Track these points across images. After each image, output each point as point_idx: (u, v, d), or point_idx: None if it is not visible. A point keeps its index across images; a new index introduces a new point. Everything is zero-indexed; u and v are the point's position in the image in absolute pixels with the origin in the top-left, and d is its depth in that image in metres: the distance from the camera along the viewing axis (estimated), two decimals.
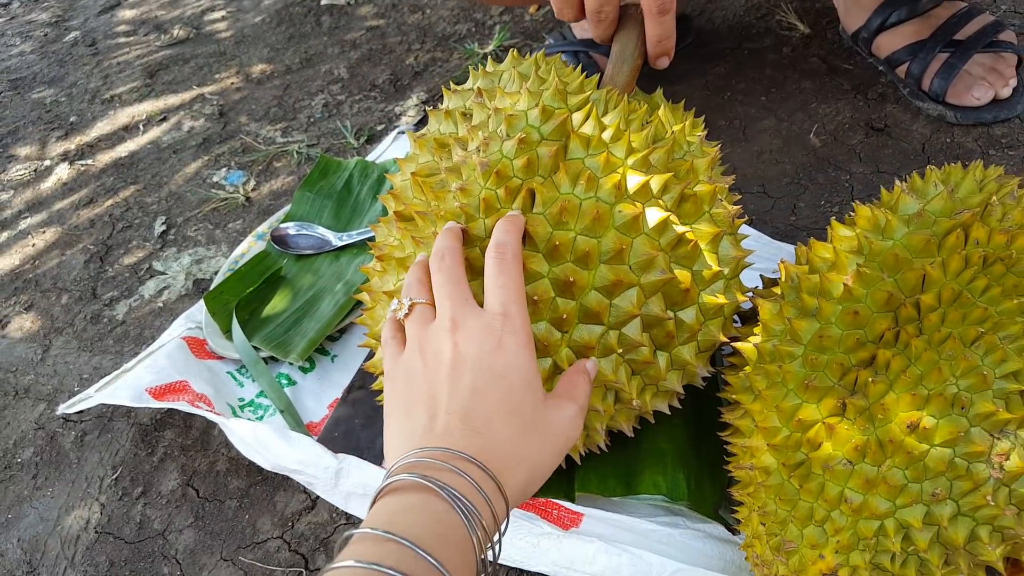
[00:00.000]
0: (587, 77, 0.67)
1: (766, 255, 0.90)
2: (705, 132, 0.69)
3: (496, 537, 0.46)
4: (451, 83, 0.71)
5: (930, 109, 1.12)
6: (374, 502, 0.44)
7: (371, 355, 0.73)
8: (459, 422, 0.47)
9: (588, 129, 0.61)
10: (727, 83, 1.26)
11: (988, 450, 0.53)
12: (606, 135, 0.61)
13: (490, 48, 1.49)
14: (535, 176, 0.60)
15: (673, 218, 0.61)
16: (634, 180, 0.60)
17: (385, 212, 1.04)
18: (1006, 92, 1.09)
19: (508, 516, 0.46)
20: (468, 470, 0.44)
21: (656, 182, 0.60)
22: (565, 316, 0.59)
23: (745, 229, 0.96)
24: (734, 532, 0.69)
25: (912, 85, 1.14)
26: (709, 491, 0.71)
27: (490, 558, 0.45)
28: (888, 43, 1.16)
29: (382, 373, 0.67)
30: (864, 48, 1.22)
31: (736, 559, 0.67)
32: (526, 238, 0.59)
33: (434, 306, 0.55)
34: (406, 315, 0.55)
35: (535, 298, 0.58)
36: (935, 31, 1.12)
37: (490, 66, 0.69)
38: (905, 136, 1.10)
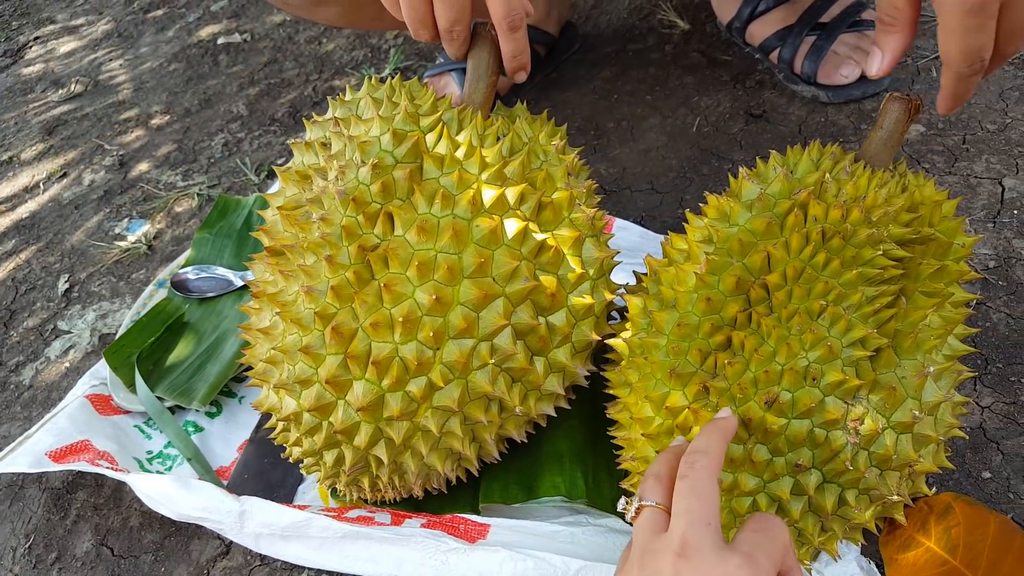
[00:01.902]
0: None
1: (654, 251, 0.93)
2: (564, 140, 0.71)
3: None
4: (314, 115, 0.72)
5: (804, 91, 1.16)
6: None
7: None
8: None
9: (441, 149, 0.63)
10: (614, 85, 1.29)
11: (843, 417, 0.56)
12: (459, 153, 0.63)
13: (386, 72, 1.50)
14: (393, 199, 0.61)
15: (532, 226, 0.62)
16: (489, 194, 0.61)
17: None
18: None
19: None
20: None
21: (512, 193, 0.62)
22: (434, 334, 0.60)
23: (631, 227, 0.98)
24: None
25: (785, 69, 1.18)
26: (607, 485, 0.72)
27: None
28: (759, 31, 1.20)
29: (270, 411, 0.67)
30: (739, 38, 1.26)
31: None
32: (389, 260, 0.60)
33: (669, 512, 0.48)
34: (634, 517, 0.49)
35: (401, 319, 0.59)
36: (801, 15, 1.16)
37: (348, 94, 0.70)
38: (783, 120, 1.14)
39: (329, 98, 0.71)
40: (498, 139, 0.66)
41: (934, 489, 0.60)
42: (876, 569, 0.64)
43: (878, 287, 0.58)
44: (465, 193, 0.61)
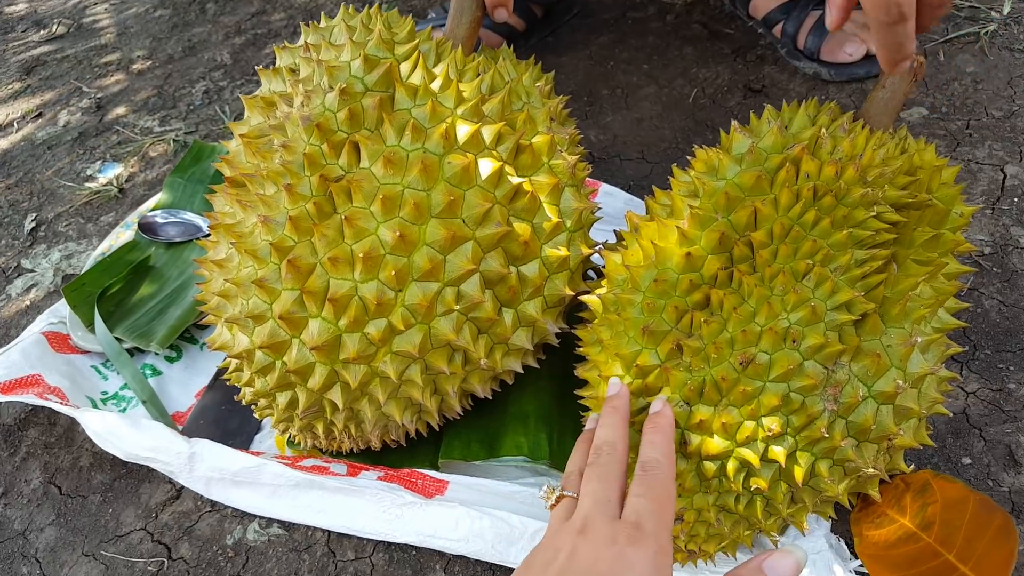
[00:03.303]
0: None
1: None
2: (550, 85, 0.68)
3: None
4: (285, 43, 0.68)
5: (806, 68, 1.13)
6: None
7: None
8: None
9: (415, 79, 0.59)
10: (611, 53, 1.25)
11: (822, 383, 0.53)
12: (435, 85, 0.59)
13: None
14: (360, 129, 0.58)
15: (509, 169, 0.59)
16: (464, 130, 0.57)
17: None
18: None
19: None
20: None
21: (488, 132, 0.58)
22: (396, 274, 0.56)
23: (617, 192, 0.95)
24: None
25: (788, 44, 1.15)
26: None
27: None
28: (764, 3, 1.16)
29: (222, 348, 0.64)
30: (742, 10, 1.22)
31: None
32: (352, 193, 0.57)
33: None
34: (552, 505, 0.52)
35: (362, 255, 0.55)
36: None
37: (323, 22, 0.67)
38: (782, 96, 1.10)
39: (302, 24, 0.67)
40: (478, 75, 0.63)
41: (912, 467, 0.58)
42: (845, 546, 0.61)
43: (869, 251, 0.54)
44: (438, 127, 0.57)
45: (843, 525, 0.64)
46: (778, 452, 0.52)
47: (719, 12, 1.28)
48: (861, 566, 0.60)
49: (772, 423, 0.52)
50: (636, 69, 1.21)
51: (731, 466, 0.53)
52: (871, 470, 0.54)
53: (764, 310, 0.53)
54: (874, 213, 0.55)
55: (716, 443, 0.53)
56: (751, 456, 0.52)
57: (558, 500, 0.52)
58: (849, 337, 0.53)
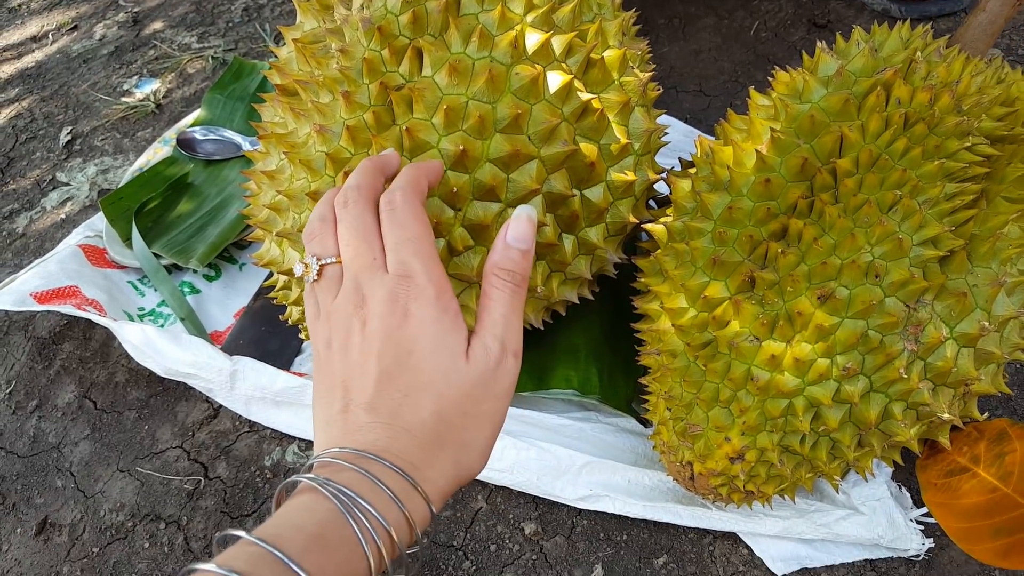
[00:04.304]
0: None
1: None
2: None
3: (419, 536, 0.40)
4: None
5: (875, 4, 1.07)
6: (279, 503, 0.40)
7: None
8: (367, 415, 0.40)
9: None
10: None
11: (903, 321, 0.50)
12: None
13: None
14: (424, 34, 0.54)
15: (578, 84, 0.56)
16: (533, 39, 0.54)
17: None
18: None
19: (433, 511, 0.40)
20: (370, 468, 0.38)
21: (558, 42, 0.55)
22: (457, 191, 0.53)
23: (675, 123, 0.91)
24: (646, 425, 0.66)
25: None
26: (623, 385, 0.67)
27: (407, 557, 0.40)
28: None
29: (270, 265, 0.62)
30: None
31: (647, 451, 0.64)
32: (414, 103, 0.54)
33: (341, 262, 0.45)
34: (315, 280, 0.45)
35: None
36: None
37: None
38: (848, 32, 1.05)
39: None
40: None
41: (986, 415, 0.55)
42: (907, 494, 0.59)
43: (959, 184, 0.51)
44: (506, 34, 0.54)
45: (904, 472, 0.62)
46: (851, 392, 0.50)
47: None
48: (924, 515, 0.58)
49: (848, 361, 0.50)
50: None
51: (800, 404, 0.51)
52: (946, 415, 0.51)
53: (846, 242, 0.50)
54: (968, 144, 0.51)
55: (786, 380, 0.51)
56: (823, 395, 0.50)
57: (320, 271, 0.45)
58: (934, 274, 0.50)
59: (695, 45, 1.08)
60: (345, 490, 0.36)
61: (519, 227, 0.43)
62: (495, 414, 0.42)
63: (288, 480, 0.39)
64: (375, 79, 0.54)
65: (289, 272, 0.60)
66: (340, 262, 0.44)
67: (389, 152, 0.48)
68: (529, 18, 0.55)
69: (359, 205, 0.44)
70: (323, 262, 0.44)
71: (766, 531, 0.59)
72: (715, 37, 1.08)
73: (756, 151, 0.53)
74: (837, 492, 0.58)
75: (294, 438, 0.74)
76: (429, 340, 0.41)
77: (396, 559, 0.38)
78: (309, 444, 0.74)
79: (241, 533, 0.34)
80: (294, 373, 0.72)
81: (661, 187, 0.83)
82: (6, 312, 0.87)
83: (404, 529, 0.37)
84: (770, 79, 0.57)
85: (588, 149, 0.56)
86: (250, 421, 0.76)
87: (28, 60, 1.37)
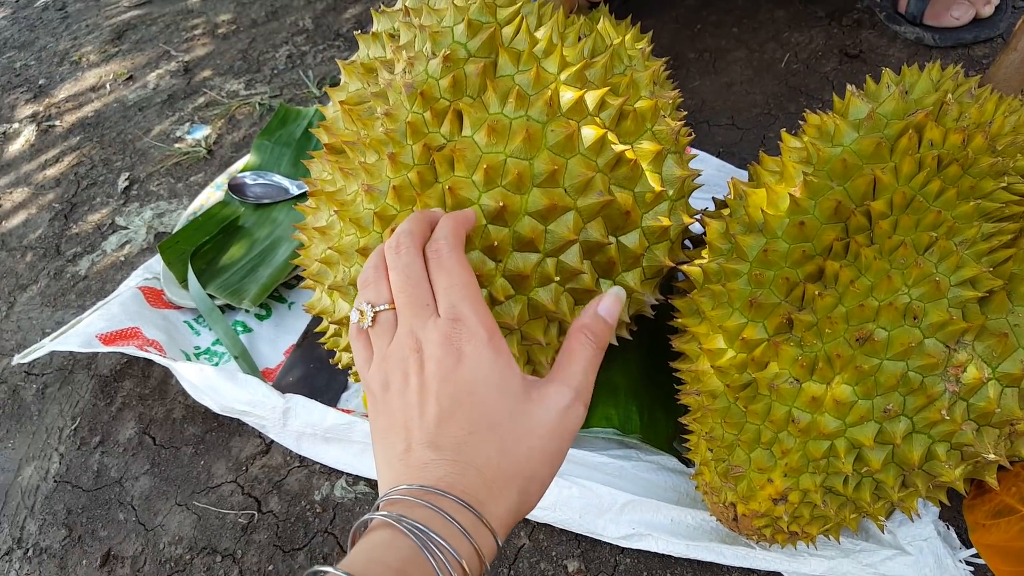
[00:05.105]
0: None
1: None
2: (651, 46, 0.65)
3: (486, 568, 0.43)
4: (381, 5, 0.67)
5: (907, 33, 1.07)
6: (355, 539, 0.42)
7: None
8: (431, 453, 0.42)
9: (519, 44, 0.58)
10: (698, 16, 1.21)
11: (943, 362, 0.50)
12: (537, 49, 0.58)
13: None
14: (463, 96, 0.57)
15: (611, 136, 0.57)
16: (567, 96, 0.56)
17: None
18: (988, 10, 1.04)
19: (499, 543, 0.42)
20: (440, 504, 0.40)
21: (591, 98, 0.57)
22: (498, 244, 0.55)
23: (708, 158, 0.92)
24: (688, 464, 0.67)
25: (888, 8, 1.09)
26: (663, 423, 0.68)
27: None
28: None
29: (321, 314, 0.65)
30: None
31: (689, 490, 0.65)
32: (455, 162, 0.56)
33: (394, 308, 0.48)
34: (370, 326, 0.48)
35: None
36: None
37: None
38: (881, 62, 1.05)
39: None
40: (580, 38, 0.61)
41: None
42: (955, 535, 0.59)
43: (996, 224, 0.51)
44: (542, 94, 0.56)
45: (951, 512, 0.61)
46: (894, 433, 0.50)
47: None
48: (973, 555, 0.57)
49: (888, 402, 0.50)
50: (725, 32, 1.17)
51: (842, 446, 0.52)
52: (991, 456, 0.51)
53: (883, 284, 0.51)
54: (1004, 184, 0.52)
55: (827, 421, 0.51)
56: (864, 436, 0.51)
57: (375, 318, 0.47)
58: (973, 315, 0.51)
59: (727, 78, 1.09)
60: (420, 525, 0.39)
61: (610, 303, 0.48)
62: (558, 453, 0.44)
63: (363, 518, 0.41)
64: (418, 140, 0.56)
65: (340, 321, 0.62)
66: (393, 308, 0.47)
67: (435, 210, 0.52)
68: (563, 76, 0.57)
69: (411, 253, 0.47)
70: (377, 309, 0.47)
71: (811, 571, 0.60)
72: (746, 70, 1.10)
73: (789, 194, 0.54)
74: (883, 532, 0.58)
75: (342, 473, 0.77)
76: (487, 382, 0.44)
77: None
78: (356, 479, 0.76)
79: (329, 569, 0.36)
80: (341, 409, 0.74)
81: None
82: (71, 351, 0.92)
83: (474, 561, 0.40)
84: (804, 113, 0.58)
85: (623, 198, 0.58)
86: (300, 456, 0.78)
87: (88, 109, 1.44)
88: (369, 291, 0.48)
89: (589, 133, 0.56)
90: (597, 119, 0.57)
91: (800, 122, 0.58)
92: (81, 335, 0.83)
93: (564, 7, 0.66)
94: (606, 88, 0.58)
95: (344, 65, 0.64)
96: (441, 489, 0.41)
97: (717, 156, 0.96)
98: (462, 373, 0.44)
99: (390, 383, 0.45)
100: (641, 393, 0.70)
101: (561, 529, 0.68)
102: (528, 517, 0.68)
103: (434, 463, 0.42)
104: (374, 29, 0.65)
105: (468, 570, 0.39)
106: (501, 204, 0.54)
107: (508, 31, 0.58)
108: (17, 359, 0.88)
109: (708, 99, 1.07)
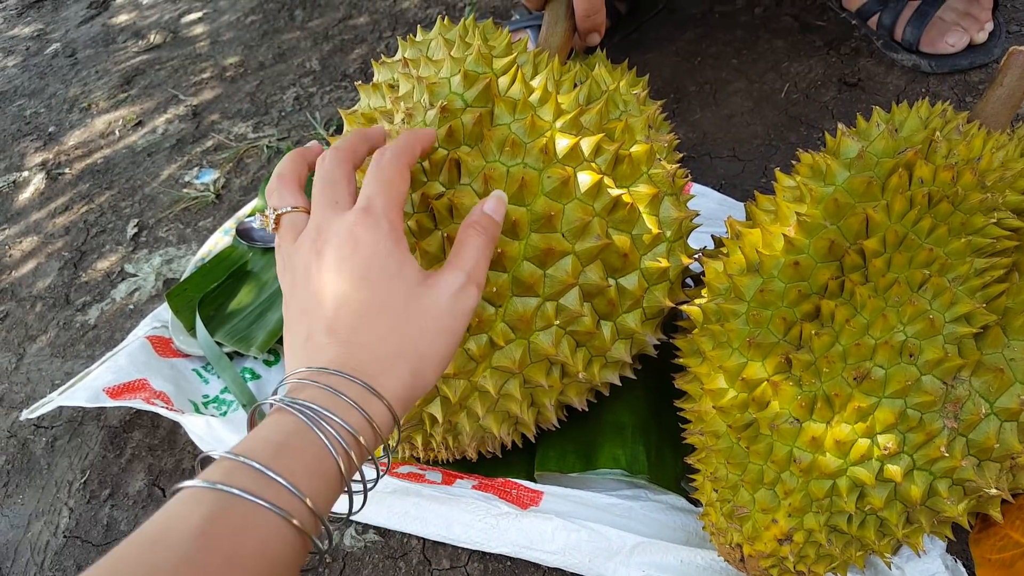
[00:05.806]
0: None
1: (735, 216, 0.87)
2: (646, 91, 0.67)
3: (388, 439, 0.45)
4: (382, 57, 0.69)
5: (904, 60, 1.08)
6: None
7: None
8: (327, 337, 0.45)
9: (514, 93, 0.59)
10: (697, 48, 1.23)
11: (941, 399, 0.50)
12: (533, 98, 0.59)
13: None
14: (460, 145, 0.58)
15: (607, 180, 0.58)
16: (563, 143, 0.57)
17: None
18: (982, 37, 1.05)
19: (395, 415, 0.44)
20: (329, 381, 0.42)
21: (587, 144, 0.58)
22: (497, 290, 0.56)
23: (709, 192, 0.93)
24: (696, 503, 0.67)
25: (885, 36, 1.10)
26: (670, 463, 0.68)
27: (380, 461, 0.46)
28: None
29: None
30: (835, 2, 1.18)
31: (698, 529, 0.65)
32: (453, 210, 0.57)
33: (304, 211, 0.51)
34: (274, 228, 0.51)
35: None
36: None
37: (419, 35, 0.67)
38: (879, 89, 1.06)
39: (399, 38, 0.68)
40: (575, 86, 0.62)
41: None
42: (963, 569, 0.58)
43: (989, 259, 0.52)
44: (537, 141, 0.57)
45: (959, 545, 0.61)
46: (894, 471, 0.50)
47: (810, 4, 1.24)
48: None
49: (888, 441, 0.50)
50: (724, 64, 1.18)
51: (843, 485, 0.52)
52: (993, 490, 0.51)
53: (879, 322, 0.51)
54: (994, 220, 0.52)
55: (828, 461, 0.51)
56: (865, 475, 0.51)
57: (278, 220, 0.50)
58: (969, 351, 0.51)
59: (727, 110, 1.10)
60: (305, 403, 0.41)
61: (494, 204, 0.53)
62: (451, 332, 0.47)
63: (257, 404, 0.44)
64: (417, 189, 0.58)
65: None
66: (296, 210, 0.50)
67: (376, 127, 0.55)
68: (558, 124, 0.58)
69: (334, 161, 0.50)
70: (279, 211, 0.50)
71: None
72: (747, 101, 1.11)
73: (784, 234, 0.55)
74: (890, 568, 0.58)
75: (352, 522, 0.77)
76: (381, 266, 0.46)
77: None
78: (366, 528, 0.76)
79: (216, 453, 0.39)
80: None
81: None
82: None
83: (368, 431, 0.42)
84: (798, 152, 0.59)
85: (621, 241, 0.58)
86: None
87: (97, 156, 1.47)
88: (273, 197, 0.51)
89: (585, 178, 0.57)
90: (593, 164, 0.58)
91: (797, 157, 0.59)
92: (88, 389, 0.84)
93: (560, 55, 0.67)
94: (601, 134, 0.59)
95: (346, 115, 0.66)
96: (334, 368, 0.43)
97: (719, 188, 0.97)
98: (357, 259, 0.46)
99: (295, 276, 0.48)
100: (649, 431, 0.71)
101: (572, 573, 0.68)
102: (539, 562, 0.67)
103: (328, 346, 0.45)
104: (375, 80, 0.66)
105: (364, 441, 0.41)
106: (499, 250, 0.55)
107: (504, 81, 0.60)
108: (25, 414, 0.89)
109: (709, 131, 1.08)
